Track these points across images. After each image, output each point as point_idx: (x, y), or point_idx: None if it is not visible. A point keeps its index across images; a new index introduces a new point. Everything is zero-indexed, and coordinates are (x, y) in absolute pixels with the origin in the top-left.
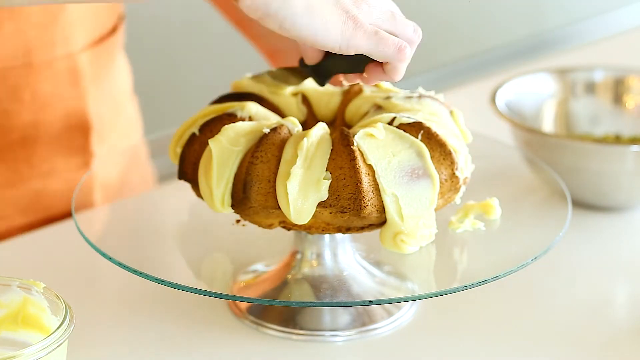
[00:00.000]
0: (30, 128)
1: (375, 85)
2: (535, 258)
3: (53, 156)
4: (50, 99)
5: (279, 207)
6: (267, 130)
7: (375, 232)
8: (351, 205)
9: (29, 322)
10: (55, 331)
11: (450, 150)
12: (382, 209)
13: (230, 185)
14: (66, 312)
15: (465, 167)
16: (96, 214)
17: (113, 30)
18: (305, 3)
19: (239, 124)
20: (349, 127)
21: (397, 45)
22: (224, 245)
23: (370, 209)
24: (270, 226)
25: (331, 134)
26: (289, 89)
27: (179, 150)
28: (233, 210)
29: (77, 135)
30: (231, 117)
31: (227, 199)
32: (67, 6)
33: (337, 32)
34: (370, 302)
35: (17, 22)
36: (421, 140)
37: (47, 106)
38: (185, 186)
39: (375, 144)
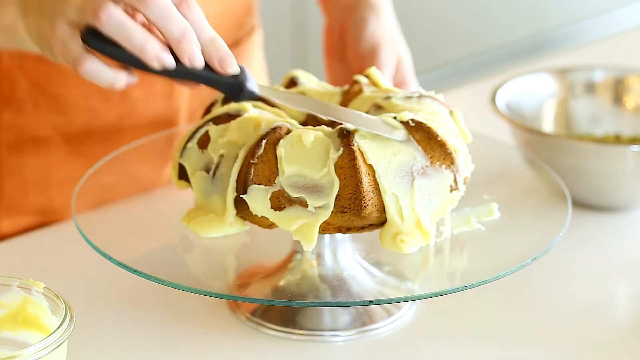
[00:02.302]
0: (114, 128)
1: (376, 85)
2: (535, 258)
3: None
4: (139, 103)
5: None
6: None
7: (375, 232)
8: (351, 205)
9: (29, 322)
10: (55, 331)
11: (450, 150)
12: (382, 209)
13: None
14: (66, 312)
15: (465, 167)
16: (96, 214)
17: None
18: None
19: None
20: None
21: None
22: (225, 245)
23: (370, 208)
24: (270, 226)
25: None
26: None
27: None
28: (235, 212)
29: (160, 140)
30: (232, 118)
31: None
32: None
33: (47, 44)
34: (370, 302)
35: None
36: (421, 140)
37: (135, 110)
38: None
39: (376, 144)
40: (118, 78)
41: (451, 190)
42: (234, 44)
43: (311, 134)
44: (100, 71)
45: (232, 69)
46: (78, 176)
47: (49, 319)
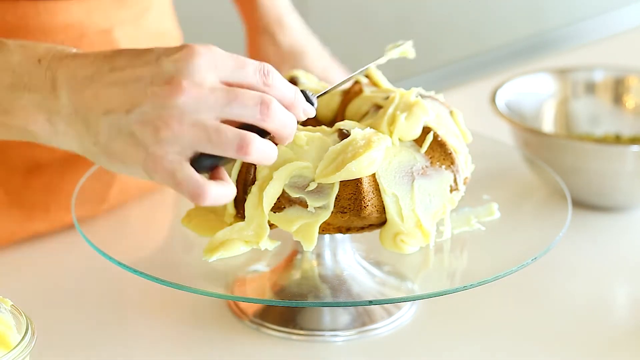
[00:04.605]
0: None
1: (376, 85)
2: (535, 258)
3: None
4: None
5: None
6: None
7: (375, 232)
8: (351, 206)
9: None
10: (14, 348)
11: (450, 150)
12: (382, 209)
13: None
14: (27, 328)
15: (465, 167)
16: (96, 215)
17: None
18: (103, 148)
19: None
20: None
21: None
22: None
23: (370, 209)
24: (270, 227)
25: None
26: None
27: None
28: (235, 212)
29: None
30: None
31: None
32: None
33: (139, 169)
34: (370, 302)
35: None
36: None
37: None
38: None
39: None
40: (233, 191)
41: (451, 191)
42: None
43: (310, 134)
44: (222, 194)
45: (313, 112)
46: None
47: (15, 338)
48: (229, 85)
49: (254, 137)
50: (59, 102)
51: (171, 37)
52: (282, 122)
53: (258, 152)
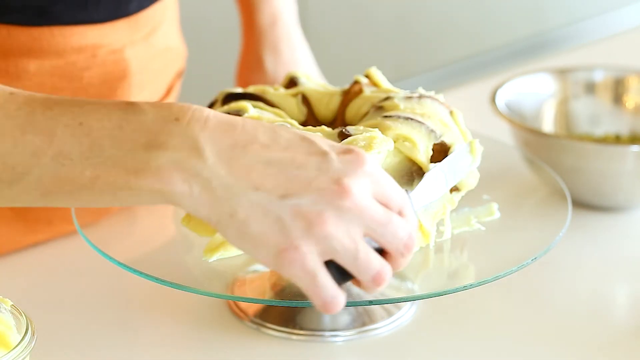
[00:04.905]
0: None
1: (376, 85)
2: (535, 258)
3: None
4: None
5: None
6: None
7: None
8: None
9: None
10: (14, 348)
11: (450, 150)
12: None
13: None
14: (27, 328)
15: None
16: (96, 215)
17: None
18: (239, 223)
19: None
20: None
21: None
22: None
23: None
24: None
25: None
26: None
27: None
28: None
29: None
30: None
31: None
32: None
33: (269, 256)
34: (370, 302)
35: None
36: None
37: None
38: None
39: None
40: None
41: (451, 191)
42: None
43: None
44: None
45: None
46: None
47: (15, 338)
48: (378, 202)
49: (390, 272)
50: (204, 164)
51: (177, 52)
52: (408, 261)
53: (385, 286)
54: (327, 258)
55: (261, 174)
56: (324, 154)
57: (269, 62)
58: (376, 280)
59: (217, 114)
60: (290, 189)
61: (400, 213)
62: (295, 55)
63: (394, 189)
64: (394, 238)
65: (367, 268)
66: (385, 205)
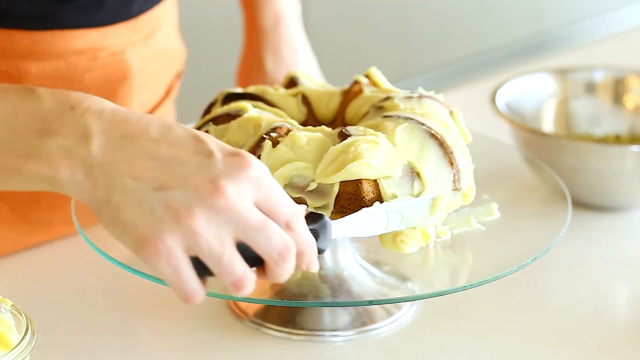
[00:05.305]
0: None
1: (376, 85)
2: (535, 258)
3: None
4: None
5: None
6: (267, 131)
7: None
8: (351, 206)
9: None
10: (14, 348)
11: (450, 151)
12: None
13: None
14: (27, 328)
15: (465, 168)
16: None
17: None
18: (113, 209)
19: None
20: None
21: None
22: None
23: None
24: None
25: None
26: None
27: None
28: None
29: None
30: (232, 118)
31: None
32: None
33: (136, 242)
34: (370, 302)
35: None
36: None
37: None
38: None
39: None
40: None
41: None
42: None
43: (310, 135)
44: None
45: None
46: None
47: (15, 338)
48: (259, 208)
49: (251, 281)
50: (88, 152)
51: (176, 54)
52: (289, 271)
53: (245, 293)
54: (192, 254)
55: (141, 166)
56: (209, 154)
57: (270, 64)
58: (236, 286)
59: (115, 107)
60: (166, 183)
61: (287, 225)
62: (296, 57)
63: (282, 200)
64: (268, 245)
65: (229, 273)
66: (269, 214)
